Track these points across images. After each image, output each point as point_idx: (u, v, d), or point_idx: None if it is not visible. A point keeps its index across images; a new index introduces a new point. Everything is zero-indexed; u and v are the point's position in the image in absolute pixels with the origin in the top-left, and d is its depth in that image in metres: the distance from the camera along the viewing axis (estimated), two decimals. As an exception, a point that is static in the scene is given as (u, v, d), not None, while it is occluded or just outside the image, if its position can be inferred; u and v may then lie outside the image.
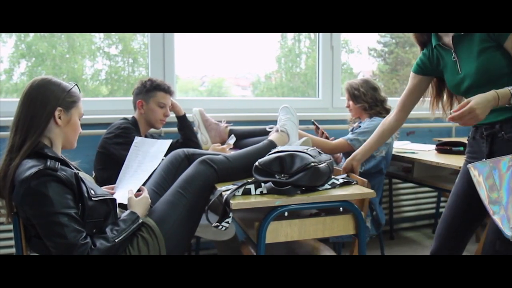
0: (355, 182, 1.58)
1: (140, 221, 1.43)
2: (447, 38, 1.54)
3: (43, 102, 1.34)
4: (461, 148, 2.34)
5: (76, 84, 1.43)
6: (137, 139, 1.88)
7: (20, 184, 1.24)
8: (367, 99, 2.33)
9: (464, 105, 1.30)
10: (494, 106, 1.32)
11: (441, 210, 3.06)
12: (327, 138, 2.43)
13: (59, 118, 1.36)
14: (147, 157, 1.77)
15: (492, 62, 1.42)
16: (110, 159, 1.99)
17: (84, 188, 1.32)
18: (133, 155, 1.80)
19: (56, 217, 1.23)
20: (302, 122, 2.17)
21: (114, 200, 1.44)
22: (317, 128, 2.47)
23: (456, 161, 2.04)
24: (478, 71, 1.45)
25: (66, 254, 1.24)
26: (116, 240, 1.32)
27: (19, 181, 1.25)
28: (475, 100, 1.30)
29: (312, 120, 2.50)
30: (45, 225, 1.25)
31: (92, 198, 1.34)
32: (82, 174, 1.44)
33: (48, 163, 1.26)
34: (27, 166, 1.26)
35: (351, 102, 2.40)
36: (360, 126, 2.33)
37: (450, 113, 1.38)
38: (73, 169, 1.34)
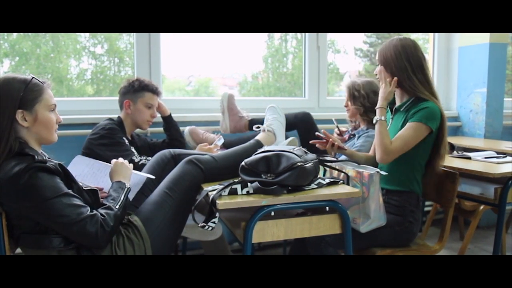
0: (341, 181, 1.59)
1: (128, 185, 1.48)
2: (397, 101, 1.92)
3: (1, 108, 1.28)
4: (447, 148, 2.37)
5: (33, 77, 1.34)
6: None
7: (9, 182, 1.23)
8: (365, 102, 2.17)
9: None
10: None
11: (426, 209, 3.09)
12: (340, 134, 2.34)
13: (24, 119, 1.32)
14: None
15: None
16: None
17: (70, 175, 1.36)
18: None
19: (55, 201, 1.24)
20: (288, 122, 2.17)
21: (96, 191, 1.43)
22: (337, 129, 2.36)
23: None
24: None
25: (81, 232, 1.25)
26: (117, 207, 1.37)
27: (6, 180, 1.23)
28: None
29: (333, 119, 2.38)
30: (48, 213, 1.25)
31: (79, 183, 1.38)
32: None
33: (37, 157, 1.27)
34: (11, 165, 1.25)
35: (349, 102, 2.25)
36: (354, 135, 2.23)
37: None
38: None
